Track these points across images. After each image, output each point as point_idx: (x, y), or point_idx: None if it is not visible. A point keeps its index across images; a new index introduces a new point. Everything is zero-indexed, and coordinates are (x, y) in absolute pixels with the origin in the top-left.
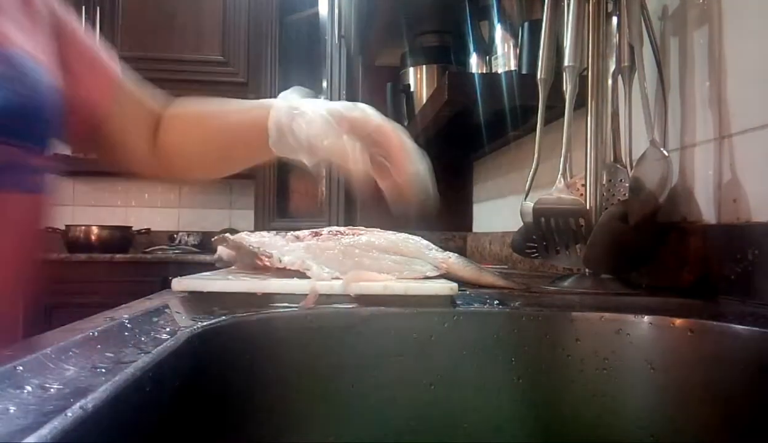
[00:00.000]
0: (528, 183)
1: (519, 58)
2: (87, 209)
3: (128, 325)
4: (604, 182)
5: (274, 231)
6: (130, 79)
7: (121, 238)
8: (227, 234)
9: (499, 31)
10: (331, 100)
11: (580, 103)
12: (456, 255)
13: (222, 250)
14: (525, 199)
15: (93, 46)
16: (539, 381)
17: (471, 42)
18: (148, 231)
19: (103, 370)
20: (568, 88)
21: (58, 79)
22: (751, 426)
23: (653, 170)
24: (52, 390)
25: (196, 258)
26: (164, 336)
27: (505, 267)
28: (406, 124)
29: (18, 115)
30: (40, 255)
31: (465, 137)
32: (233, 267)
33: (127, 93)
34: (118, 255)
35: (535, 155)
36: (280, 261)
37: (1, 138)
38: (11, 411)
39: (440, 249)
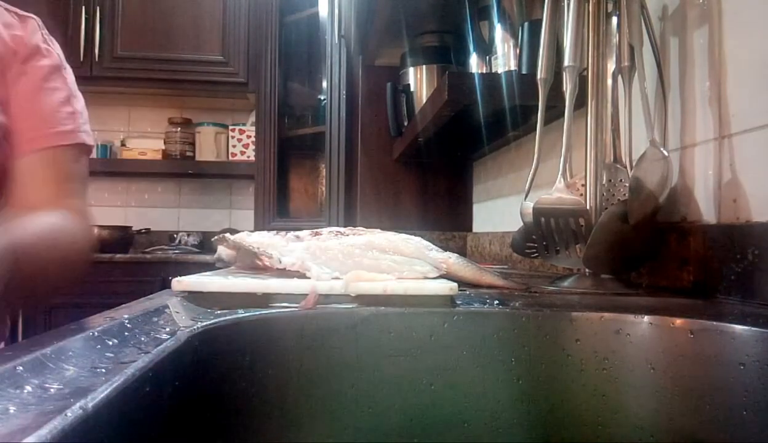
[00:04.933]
0: (528, 183)
1: (519, 58)
2: None
3: (128, 325)
4: (604, 182)
5: (274, 231)
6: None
7: (121, 238)
8: (227, 235)
9: (499, 31)
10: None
11: (580, 103)
12: (456, 255)
13: (222, 250)
14: (525, 199)
15: (53, 98)
16: (539, 381)
17: (471, 42)
18: (148, 231)
19: (103, 370)
20: (568, 88)
21: None
22: (751, 426)
23: (653, 170)
24: (52, 390)
25: (196, 258)
26: (164, 336)
27: (505, 267)
28: (406, 123)
29: None
30: None
31: (465, 137)
32: (233, 267)
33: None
34: (118, 255)
35: (535, 155)
36: (280, 262)
37: None
38: (11, 411)
39: (440, 250)
